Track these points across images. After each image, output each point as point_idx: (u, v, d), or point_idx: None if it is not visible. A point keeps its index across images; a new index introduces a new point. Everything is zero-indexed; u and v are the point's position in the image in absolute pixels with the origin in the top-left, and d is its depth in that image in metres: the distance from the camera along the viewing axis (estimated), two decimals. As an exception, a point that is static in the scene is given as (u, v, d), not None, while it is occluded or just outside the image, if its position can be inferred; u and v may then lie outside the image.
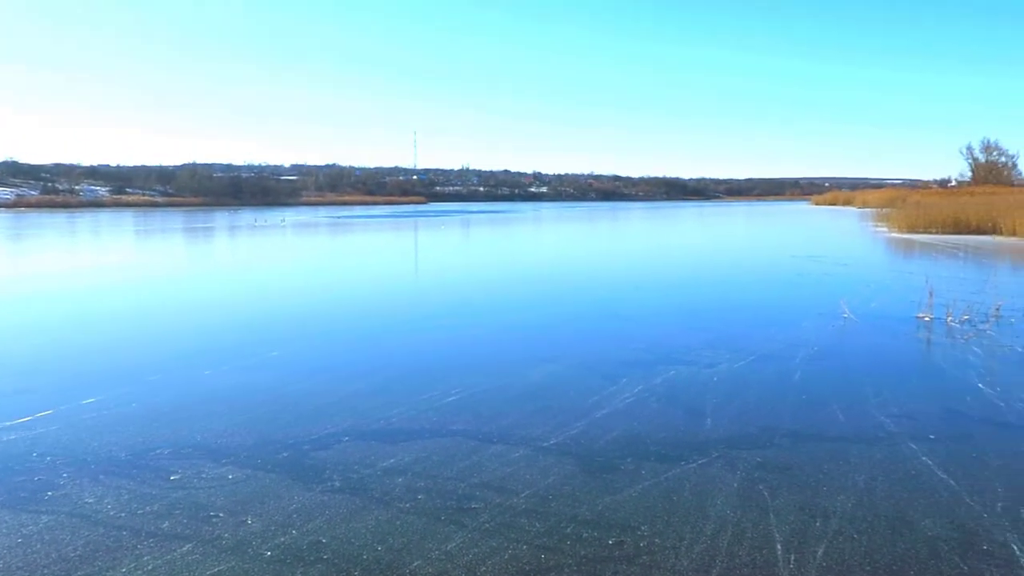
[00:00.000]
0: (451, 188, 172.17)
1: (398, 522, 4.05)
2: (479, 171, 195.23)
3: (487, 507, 4.23)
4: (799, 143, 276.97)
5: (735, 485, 4.52)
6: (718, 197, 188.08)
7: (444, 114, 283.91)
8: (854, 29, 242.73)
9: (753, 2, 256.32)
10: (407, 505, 4.27)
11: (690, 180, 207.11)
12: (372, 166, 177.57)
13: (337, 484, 4.58)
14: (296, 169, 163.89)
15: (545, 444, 5.29)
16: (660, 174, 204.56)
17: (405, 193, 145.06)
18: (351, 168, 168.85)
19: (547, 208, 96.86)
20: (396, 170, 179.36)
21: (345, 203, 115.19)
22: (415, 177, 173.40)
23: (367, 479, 4.66)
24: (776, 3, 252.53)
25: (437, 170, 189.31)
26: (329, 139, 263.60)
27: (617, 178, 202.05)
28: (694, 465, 4.86)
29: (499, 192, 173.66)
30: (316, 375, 7.40)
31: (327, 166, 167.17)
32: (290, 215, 64.09)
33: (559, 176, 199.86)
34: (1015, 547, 3.70)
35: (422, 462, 4.95)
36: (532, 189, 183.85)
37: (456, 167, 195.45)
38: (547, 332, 9.83)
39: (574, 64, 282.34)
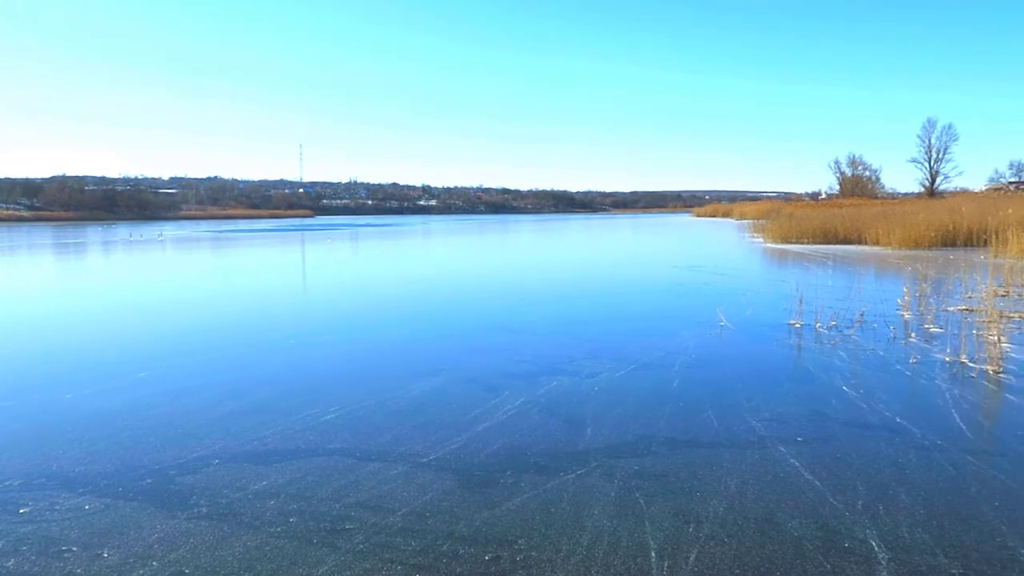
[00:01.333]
0: (339, 201, 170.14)
1: (268, 547, 3.89)
2: (367, 184, 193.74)
3: (362, 527, 4.12)
4: (682, 157, 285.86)
5: (612, 494, 4.56)
6: (605, 209, 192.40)
7: (331, 127, 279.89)
8: (732, 44, 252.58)
9: (639, 16, 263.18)
10: (278, 529, 4.11)
11: (578, 193, 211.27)
12: (256, 179, 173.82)
13: (204, 510, 4.37)
14: (175, 182, 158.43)
15: (424, 460, 5.21)
16: (549, 187, 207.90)
17: (291, 206, 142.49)
18: (234, 181, 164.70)
19: (436, 221, 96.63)
20: (282, 183, 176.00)
21: (228, 217, 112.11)
22: (301, 190, 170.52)
23: (236, 503, 4.47)
24: (660, 17, 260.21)
25: (324, 183, 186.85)
26: (211, 151, 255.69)
27: (506, 191, 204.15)
28: (573, 476, 4.88)
29: (388, 205, 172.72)
30: (187, 395, 7.09)
31: (209, 179, 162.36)
32: (169, 230, 61.80)
33: (448, 189, 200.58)
34: (874, 543, 3.86)
35: (296, 483, 4.79)
36: (421, 202, 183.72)
37: (344, 180, 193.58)
38: (431, 346, 9.74)
39: (460, 76, 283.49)
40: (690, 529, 4.06)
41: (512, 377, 7.72)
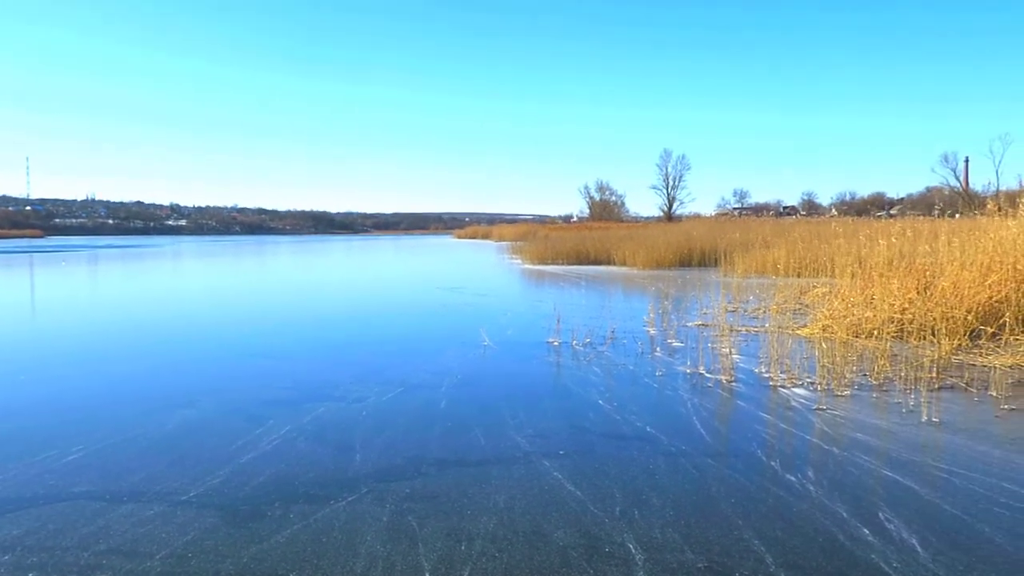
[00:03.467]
0: (74, 220, 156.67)
1: (2, 608, 3.49)
2: (107, 202, 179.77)
3: (115, 575, 3.81)
4: (442, 179, 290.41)
5: (385, 519, 4.54)
6: (366, 231, 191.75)
7: (64, 141, 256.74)
8: (483, 66, 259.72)
9: (389, 36, 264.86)
10: (14, 586, 3.70)
11: (338, 214, 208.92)
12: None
13: (-80, 573, 3.84)
14: None
15: (184, 497, 4.90)
16: (308, 208, 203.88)
17: (16, 225, 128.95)
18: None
19: (188, 242, 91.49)
20: (4, 199, 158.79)
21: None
22: (28, 207, 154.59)
23: (-39, 562, 3.97)
24: (412, 36, 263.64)
25: (56, 200, 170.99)
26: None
27: (263, 211, 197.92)
28: (344, 503, 4.81)
29: (132, 225, 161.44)
30: None
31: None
32: None
33: (200, 208, 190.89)
34: (631, 546, 4.13)
35: (35, 534, 4.33)
36: (170, 222, 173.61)
37: (80, 197, 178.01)
38: (184, 376, 9.19)
39: (209, 95, 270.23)
40: (462, 547, 4.14)
41: (276, 405, 7.46)
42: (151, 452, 5.91)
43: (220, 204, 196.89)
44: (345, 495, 4.95)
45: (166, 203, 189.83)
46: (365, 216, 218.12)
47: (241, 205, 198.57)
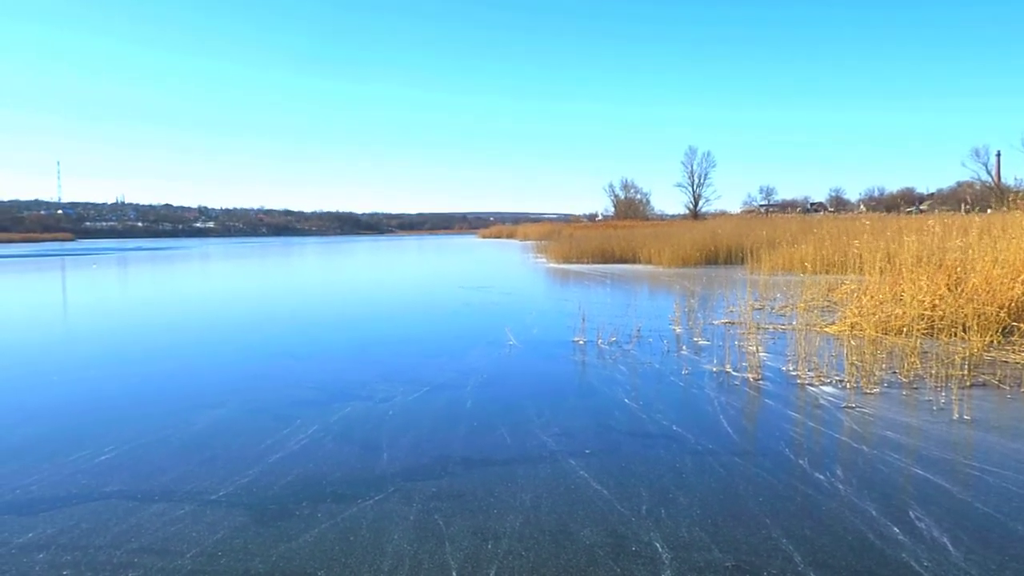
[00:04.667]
0: (105, 224, 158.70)
1: (37, 605, 3.55)
2: (137, 205, 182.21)
3: (147, 573, 3.86)
4: (466, 178, 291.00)
5: (412, 517, 4.56)
6: (392, 231, 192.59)
7: (94, 145, 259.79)
8: (505, 65, 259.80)
9: (412, 38, 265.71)
10: (49, 584, 3.76)
11: (363, 214, 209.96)
12: (6, 199, 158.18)
13: (-42, 570, 3.92)
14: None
15: (213, 497, 4.96)
16: (334, 208, 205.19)
17: (48, 229, 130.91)
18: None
19: (215, 244, 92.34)
20: (36, 203, 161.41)
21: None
22: (60, 211, 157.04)
23: (-3, 560, 4.04)
24: (435, 38, 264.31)
25: (87, 204, 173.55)
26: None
27: (289, 212, 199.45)
28: (371, 502, 4.84)
29: (160, 228, 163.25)
30: (-69, 443, 6.31)
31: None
32: (-101, 256, 54.74)
33: (227, 211, 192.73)
34: (658, 545, 4.12)
35: (69, 532, 4.40)
36: (198, 224, 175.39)
37: (110, 201, 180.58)
38: (213, 376, 9.29)
39: (237, 97, 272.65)
40: (489, 546, 4.15)
41: (303, 405, 7.52)
42: (181, 452, 5.98)
43: (247, 206, 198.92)
44: (372, 494, 4.98)
45: (194, 205, 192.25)
46: (390, 216, 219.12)
47: (267, 207, 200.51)
